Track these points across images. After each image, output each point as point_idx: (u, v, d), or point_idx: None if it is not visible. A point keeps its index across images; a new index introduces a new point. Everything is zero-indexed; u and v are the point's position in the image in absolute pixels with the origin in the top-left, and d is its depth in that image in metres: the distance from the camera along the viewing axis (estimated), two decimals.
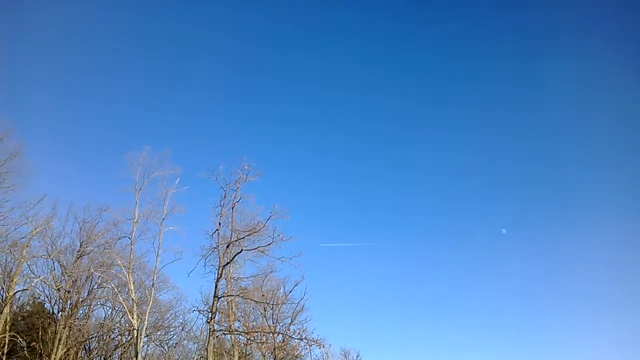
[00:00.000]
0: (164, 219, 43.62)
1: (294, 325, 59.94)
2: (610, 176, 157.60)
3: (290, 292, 60.86)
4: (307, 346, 47.30)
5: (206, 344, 45.74)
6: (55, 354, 52.28)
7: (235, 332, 47.94)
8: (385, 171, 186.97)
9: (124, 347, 64.96)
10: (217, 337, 49.37)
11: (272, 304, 56.56)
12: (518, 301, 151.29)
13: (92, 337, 63.16)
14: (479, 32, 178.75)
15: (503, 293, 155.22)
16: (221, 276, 40.76)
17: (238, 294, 43.45)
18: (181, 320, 72.73)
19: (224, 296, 42.80)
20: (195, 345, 73.35)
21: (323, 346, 43.96)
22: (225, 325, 50.79)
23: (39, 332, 54.95)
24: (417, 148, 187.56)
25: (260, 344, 55.15)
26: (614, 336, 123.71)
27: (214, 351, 44.69)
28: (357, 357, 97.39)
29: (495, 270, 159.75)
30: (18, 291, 54.73)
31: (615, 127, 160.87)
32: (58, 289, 56.94)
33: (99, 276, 51.57)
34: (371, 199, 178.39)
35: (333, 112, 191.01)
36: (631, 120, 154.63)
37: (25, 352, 52.84)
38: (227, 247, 41.34)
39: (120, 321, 64.00)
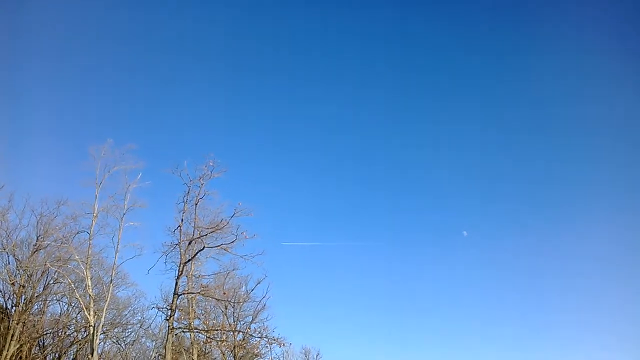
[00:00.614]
0: (124, 214, 42.91)
1: (255, 323, 59.78)
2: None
3: (252, 290, 60.64)
4: (268, 345, 47.06)
5: (164, 342, 45.14)
6: (8, 351, 50.86)
7: (195, 330, 47.44)
8: (360, 169, 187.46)
9: (80, 344, 63.66)
10: (176, 334, 48.77)
11: (234, 302, 56.21)
12: (493, 300, 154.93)
13: (46, 333, 61.65)
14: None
15: (475, 292, 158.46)
16: (182, 273, 40.30)
17: (199, 291, 43.05)
18: (139, 318, 71.72)
19: (184, 293, 42.36)
20: (154, 343, 72.40)
21: (283, 345, 43.75)
22: (185, 323, 50.28)
23: None
24: (399, 145, 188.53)
25: (220, 342, 54.72)
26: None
27: (172, 349, 44.16)
28: (317, 356, 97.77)
29: (466, 270, 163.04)
30: None
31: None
32: (12, 284, 55.42)
33: (55, 271, 50.45)
34: (341, 198, 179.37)
35: (304, 108, 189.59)
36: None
37: None
38: (189, 244, 40.91)
39: (76, 317, 62.69)
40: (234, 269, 50.79)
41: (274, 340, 43.62)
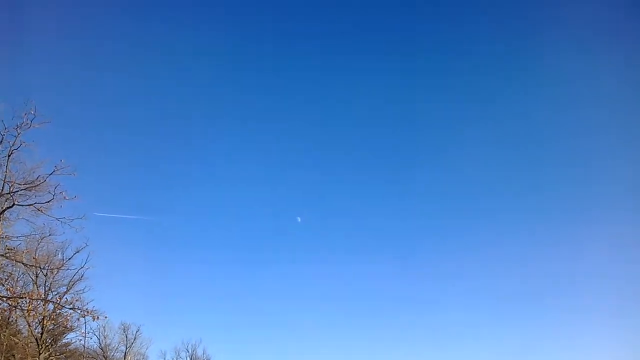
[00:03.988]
0: None
1: (69, 294, 55.30)
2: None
3: (69, 259, 55.93)
4: (81, 317, 43.52)
5: None
6: None
7: None
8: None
9: None
10: None
11: (46, 270, 51.42)
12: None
13: None
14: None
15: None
16: None
17: (3, 253, 38.54)
18: None
19: None
20: None
21: (97, 318, 40.39)
22: None
23: None
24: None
25: (27, 312, 49.82)
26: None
27: None
28: (137, 332, 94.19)
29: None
30: None
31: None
32: None
33: None
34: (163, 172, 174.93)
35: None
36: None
37: None
38: None
39: None
40: (50, 234, 46.30)
41: (88, 312, 40.17)
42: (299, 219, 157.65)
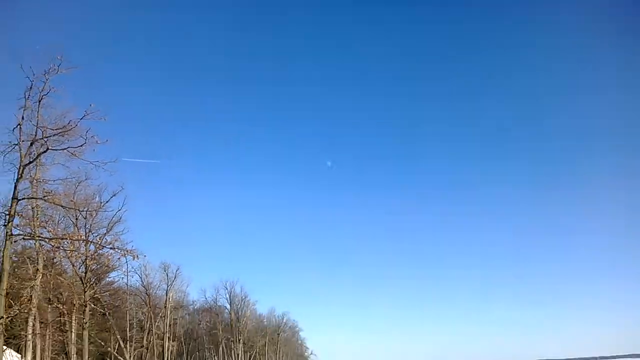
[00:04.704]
0: None
1: (109, 235, 57.17)
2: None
3: (107, 201, 57.34)
4: (122, 256, 45.11)
5: (2, 249, 41.62)
6: None
7: (38, 238, 44.14)
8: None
9: None
10: (17, 242, 45.10)
11: (85, 212, 53.03)
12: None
13: None
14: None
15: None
16: (22, 177, 36.61)
17: (42, 197, 39.72)
18: None
19: (24, 198, 38.83)
20: None
21: (137, 257, 41.92)
22: (29, 230, 46.62)
23: None
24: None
25: (69, 253, 51.83)
26: None
27: (13, 257, 40.91)
28: (177, 271, 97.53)
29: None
30: None
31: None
32: None
33: None
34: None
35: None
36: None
37: None
38: (31, 144, 37.02)
39: None
40: (86, 179, 47.54)
41: (127, 251, 41.66)
42: (329, 164, 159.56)
